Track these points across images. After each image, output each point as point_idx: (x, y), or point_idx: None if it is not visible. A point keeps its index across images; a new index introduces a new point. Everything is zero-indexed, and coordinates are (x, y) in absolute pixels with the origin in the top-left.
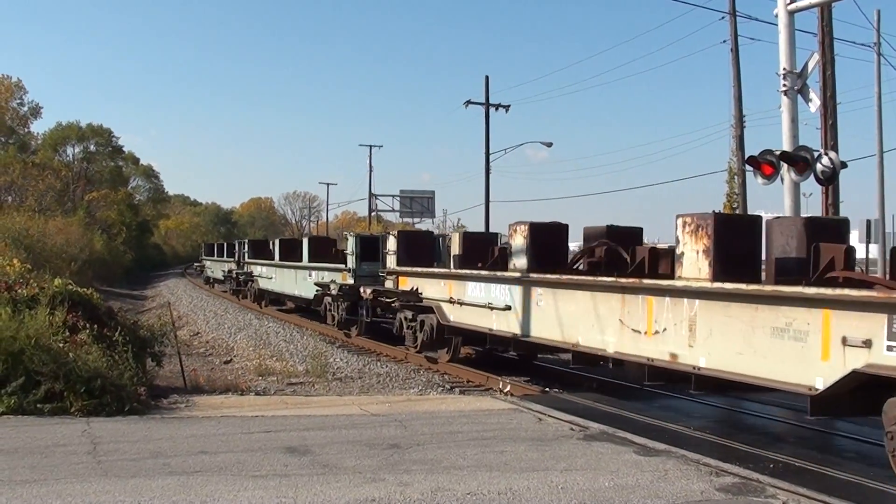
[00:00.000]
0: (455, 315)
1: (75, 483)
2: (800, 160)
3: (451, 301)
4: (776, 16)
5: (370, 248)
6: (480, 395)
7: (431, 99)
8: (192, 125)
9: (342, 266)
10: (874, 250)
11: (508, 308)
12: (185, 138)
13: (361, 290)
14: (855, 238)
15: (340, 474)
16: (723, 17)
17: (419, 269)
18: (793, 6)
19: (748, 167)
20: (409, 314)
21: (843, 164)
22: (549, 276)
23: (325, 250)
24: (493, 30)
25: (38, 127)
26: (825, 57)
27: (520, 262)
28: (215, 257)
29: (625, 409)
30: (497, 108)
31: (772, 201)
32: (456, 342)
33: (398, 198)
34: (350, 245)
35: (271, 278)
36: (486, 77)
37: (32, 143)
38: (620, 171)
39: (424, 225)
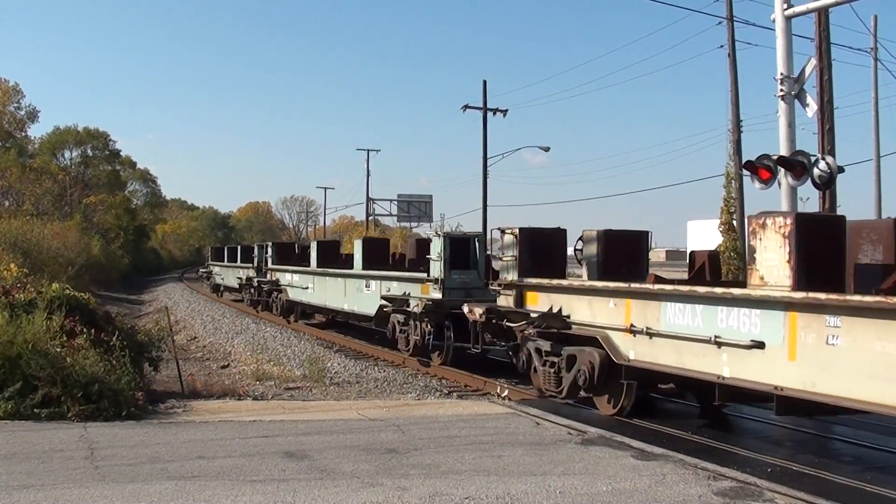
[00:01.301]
0: (639, 351)
1: (72, 488)
2: (797, 165)
3: (630, 330)
4: (773, 21)
5: (461, 253)
6: (478, 399)
7: (429, 103)
8: (189, 129)
9: (420, 275)
10: None
11: (759, 346)
12: (183, 142)
13: (467, 309)
14: None
15: (338, 479)
16: (720, 23)
17: (565, 283)
18: (790, 11)
19: (745, 172)
20: (546, 345)
21: (840, 169)
22: (862, 298)
23: (382, 255)
24: (492, 34)
25: (36, 131)
26: (822, 62)
27: (773, 273)
28: (226, 262)
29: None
30: (495, 113)
31: (769, 206)
32: (629, 388)
33: (396, 202)
34: (436, 248)
35: (307, 288)
36: (484, 81)
37: (30, 148)
38: (618, 176)
39: (422, 229)
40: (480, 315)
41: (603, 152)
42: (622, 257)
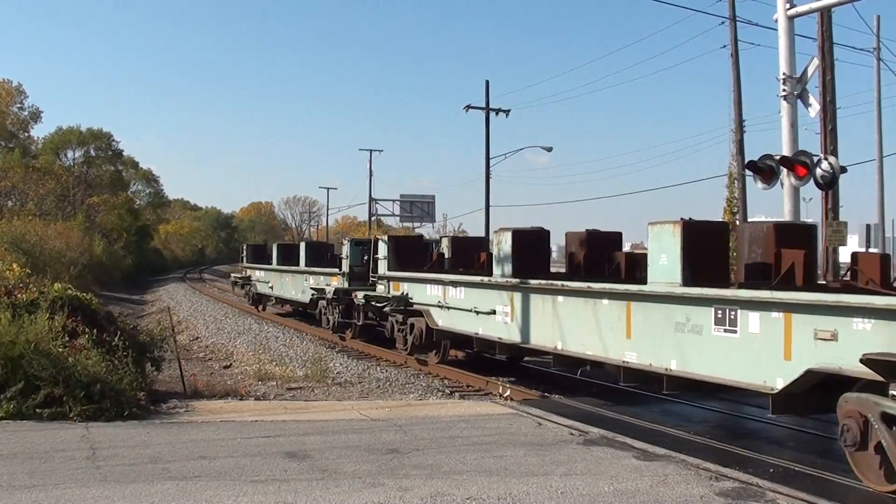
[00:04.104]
0: None
1: (74, 488)
2: (799, 165)
3: None
4: (776, 21)
5: None
6: (480, 399)
7: (432, 103)
8: (191, 129)
9: None
10: None
11: None
12: (185, 142)
13: None
14: (855, 242)
15: (340, 479)
16: (723, 23)
17: None
18: (793, 11)
19: (748, 172)
20: None
21: (843, 169)
22: None
23: (714, 256)
24: (494, 34)
25: (39, 131)
26: (825, 62)
27: None
28: (276, 265)
29: (624, 413)
30: (497, 113)
31: (771, 207)
32: None
33: (398, 202)
34: None
35: (492, 313)
36: (487, 82)
37: (33, 148)
38: (620, 176)
39: (425, 230)
40: None
41: (605, 152)
42: None
